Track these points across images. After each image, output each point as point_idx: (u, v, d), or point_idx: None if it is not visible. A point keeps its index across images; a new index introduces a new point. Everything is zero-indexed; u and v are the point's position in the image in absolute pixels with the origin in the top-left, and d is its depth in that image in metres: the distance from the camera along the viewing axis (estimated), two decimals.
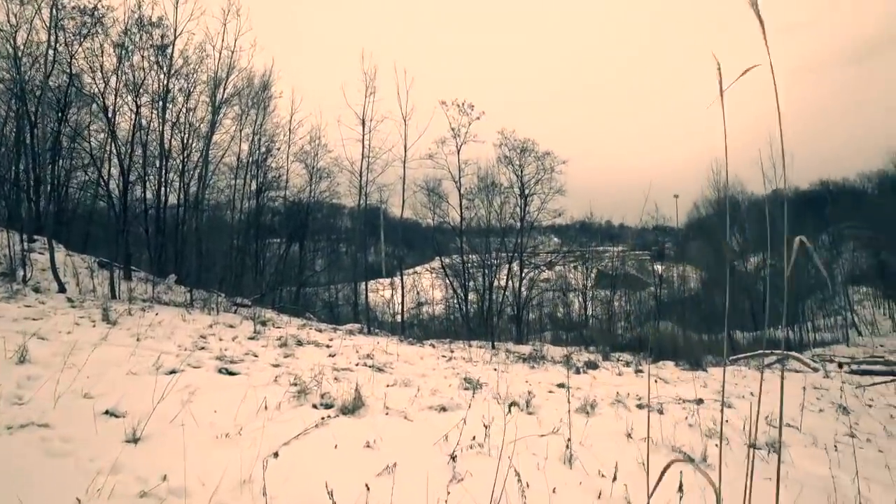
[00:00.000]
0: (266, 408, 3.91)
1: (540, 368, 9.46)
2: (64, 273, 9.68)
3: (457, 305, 21.51)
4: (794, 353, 14.12)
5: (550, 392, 6.84)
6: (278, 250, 20.93)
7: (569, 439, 3.80)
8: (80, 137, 14.58)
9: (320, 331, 10.55)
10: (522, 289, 20.90)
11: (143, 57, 13.40)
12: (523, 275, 20.93)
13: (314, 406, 4.23)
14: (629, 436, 4.64)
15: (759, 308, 26.97)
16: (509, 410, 3.82)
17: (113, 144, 12.82)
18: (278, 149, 19.19)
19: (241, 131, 17.41)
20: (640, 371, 10.13)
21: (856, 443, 5.26)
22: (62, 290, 8.86)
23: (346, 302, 23.78)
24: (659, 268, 34.23)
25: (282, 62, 20.73)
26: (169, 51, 13.61)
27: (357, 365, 6.82)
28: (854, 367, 12.43)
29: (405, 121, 16.68)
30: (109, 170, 13.50)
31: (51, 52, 11.47)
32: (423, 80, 17.41)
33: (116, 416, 3.31)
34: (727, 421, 5.36)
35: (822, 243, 39.56)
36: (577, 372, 9.33)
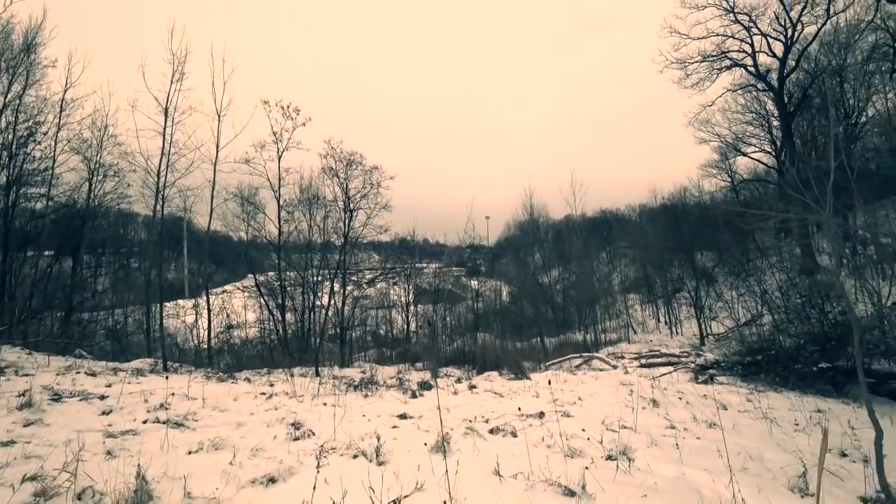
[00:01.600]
0: None
1: (375, 396, 8.67)
2: None
3: (273, 328, 19.38)
4: (597, 355, 15.75)
5: (395, 427, 6.10)
6: (39, 266, 16.36)
7: (444, 502, 3.07)
8: None
9: (93, 374, 8.10)
10: (345, 307, 19.85)
11: None
12: (346, 293, 19.92)
13: None
14: (498, 474, 4.13)
15: (560, 315, 30.41)
16: None
17: None
18: (45, 133, 14.94)
19: None
20: (474, 387, 10.03)
21: (678, 434, 5.67)
22: None
23: (138, 329, 19.73)
24: (474, 283, 36.28)
25: (58, 17, 16.22)
26: None
27: (146, 422, 5.13)
28: (642, 361, 14.24)
29: (219, 116, 14.40)
30: None
31: None
32: (245, 74, 15.31)
33: None
34: (585, 431, 5.28)
35: (603, 259, 46.79)
36: (414, 396, 8.79)
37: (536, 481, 4.02)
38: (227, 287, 27.05)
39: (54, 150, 15.20)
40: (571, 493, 3.76)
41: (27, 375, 6.91)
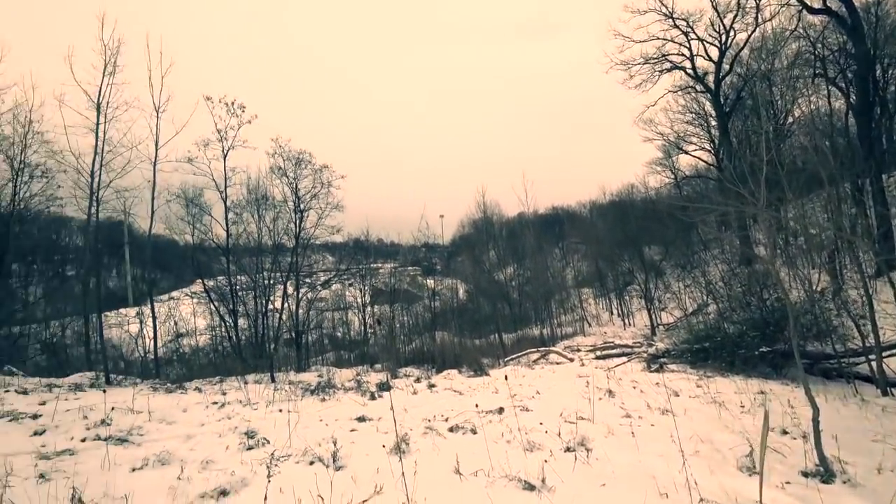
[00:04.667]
0: None
1: (332, 399, 8.54)
2: None
3: (225, 334, 18.63)
4: (554, 349, 16.05)
5: (353, 430, 6.01)
6: None
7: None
8: None
9: (25, 392, 7.54)
10: (300, 310, 19.35)
11: None
12: (300, 296, 19.41)
13: None
14: (458, 472, 4.12)
15: (516, 311, 30.82)
16: None
17: None
18: None
19: None
20: (434, 386, 10.05)
21: (633, 422, 5.86)
22: None
23: (77, 341, 18.49)
24: (430, 282, 36.29)
25: None
26: None
27: (84, 441, 4.83)
28: (598, 353, 14.62)
29: (158, 112, 13.62)
30: None
31: None
32: (186, 69, 14.47)
33: None
34: (543, 425, 5.36)
35: (556, 255, 47.80)
36: (373, 398, 8.72)
37: (497, 477, 4.02)
38: (175, 293, 25.78)
39: None
40: (531, 487, 3.79)
41: None
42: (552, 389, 8.66)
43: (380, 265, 37.38)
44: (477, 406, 6.69)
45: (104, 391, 7.69)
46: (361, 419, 6.63)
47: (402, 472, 3.55)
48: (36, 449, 4.41)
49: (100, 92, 12.39)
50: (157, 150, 13.73)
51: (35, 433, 5.03)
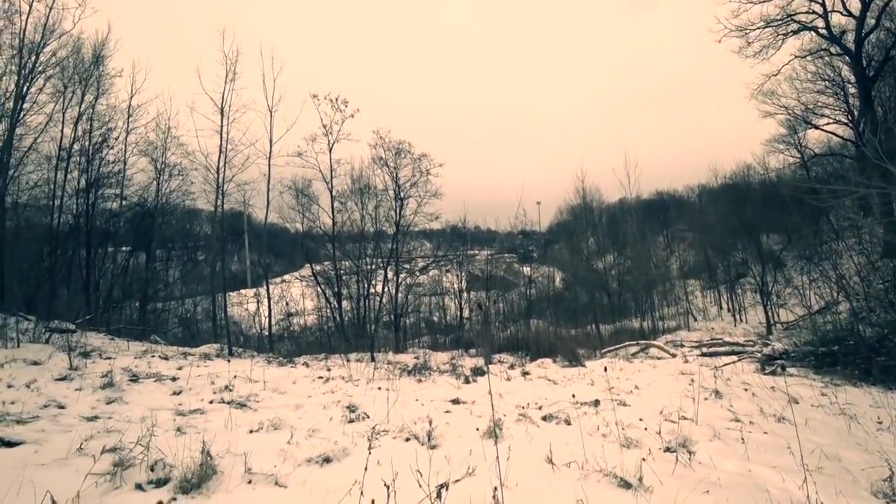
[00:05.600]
0: None
1: (428, 381, 8.78)
2: None
3: (330, 315, 19.97)
4: (654, 343, 15.21)
5: (447, 412, 6.14)
6: (116, 260, 17.68)
7: (496, 488, 3.06)
8: None
9: (166, 358, 8.68)
10: (399, 295, 20.14)
11: None
12: (399, 280, 20.18)
13: (139, 487, 2.95)
14: (551, 462, 4.05)
15: (615, 301, 29.52)
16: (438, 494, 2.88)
17: None
18: (116, 138, 16.15)
19: (64, 112, 14.36)
20: (528, 373, 9.96)
21: (743, 427, 5.33)
22: None
23: (206, 317, 20.98)
24: (527, 269, 35.84)
25: (121, 29, 17.44)
26: None
27: (212, 403, 5.45)
28: (704, 350, 13.59)
29: (271, 112, 14.87)
30: None
31: None
32: (293, 70, 15.59)
33: None
34: (642, 421, 5.14)
35: (660, 243, 44.97)
36: (467, 381, 8.83)
37: (591, 471, 3.90)
38: (286, 276, 28.12)
39: (125, 154, 16.44)
40: (627, 485, 3.62)
41: (109, 358, 7.50)
42: (652, 385, 8.20)
43: (476, 252, 37.61)
44: (573, 397, 6.53)
45: (228, 361, 8.62)
46: (455, 402, 6.76)
47: (497, 457, 3.56)
48: (174, 406, 5.06)
49: (223, 98, 13.81)
50: (270, 147, 14.96)
51: (174, 393, 5.79)
